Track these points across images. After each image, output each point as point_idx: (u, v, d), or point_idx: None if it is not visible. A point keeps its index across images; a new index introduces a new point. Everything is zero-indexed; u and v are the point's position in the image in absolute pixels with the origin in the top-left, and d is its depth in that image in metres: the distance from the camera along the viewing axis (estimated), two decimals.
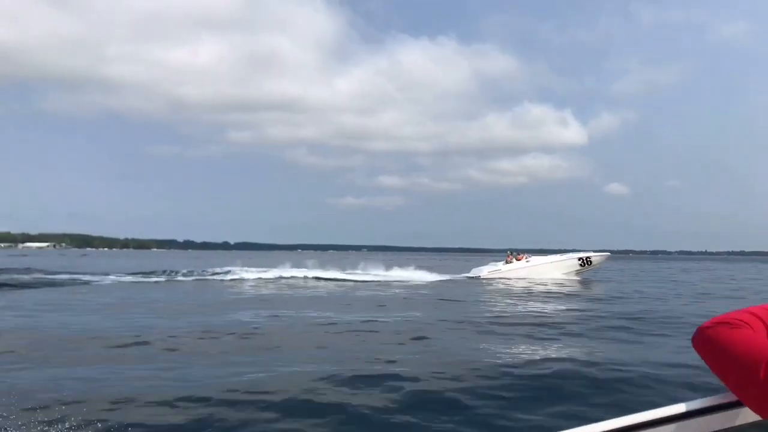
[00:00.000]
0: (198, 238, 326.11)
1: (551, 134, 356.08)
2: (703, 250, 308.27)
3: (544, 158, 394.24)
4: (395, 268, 43.06)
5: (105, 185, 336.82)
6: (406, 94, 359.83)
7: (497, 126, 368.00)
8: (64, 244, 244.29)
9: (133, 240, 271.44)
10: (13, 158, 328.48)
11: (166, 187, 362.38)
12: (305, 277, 36.40)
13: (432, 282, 38.57)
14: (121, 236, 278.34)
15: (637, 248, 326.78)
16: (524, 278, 40.61)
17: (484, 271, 42.17)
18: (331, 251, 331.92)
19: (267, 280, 35.10)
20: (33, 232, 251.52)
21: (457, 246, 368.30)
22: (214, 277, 36.55)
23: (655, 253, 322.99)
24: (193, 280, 34.61)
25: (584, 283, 37.19)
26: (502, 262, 43.78)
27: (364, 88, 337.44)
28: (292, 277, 36.70)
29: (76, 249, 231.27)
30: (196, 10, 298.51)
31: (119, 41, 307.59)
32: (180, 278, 34.97)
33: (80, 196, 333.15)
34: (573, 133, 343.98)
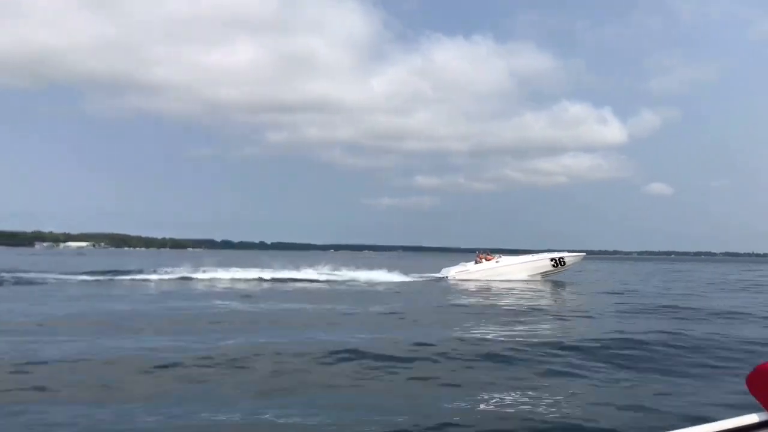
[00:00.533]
0: (236, 238, 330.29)
1: (590, 133, 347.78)
2: (750, 252, 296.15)
3: (584, 157, 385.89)
4: (369, 268, 41.82)
5: (145, 186, 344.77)
6: (441, 94, 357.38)
7: (534, 125, 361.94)
8: (102, 244, 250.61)
9: (170, 240, 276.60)
10: (58, 160, 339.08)
11: (204, 188, 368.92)
12: (260, 279, 35.24)
13: (396, 282, 37.25)
14: (159, 236, 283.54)
15: (680, 249, 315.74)
16: (493, 279, 39.07)
17: (452, 271, 40.69)
18: (367, 251, 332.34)
19: (185, 280, 33.76)
20: (74, 231, 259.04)
21: (494, 246, 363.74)
22: (135, 276, 34.75)
23: (698, 254, 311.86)
24: (94, 280, 32.59)
25: (552, 286, 35.33)
26: (472, 263, 42.24)
27: (399, 88, 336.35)
28: (231, 279, 35.11)
29: (114, 248, 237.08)
30: (232, 12, 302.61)
31: (157, 44, 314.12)
32: (98, 278, 33.51)
33: (121, 197, 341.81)
34: (613, 131, 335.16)
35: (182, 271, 36.52)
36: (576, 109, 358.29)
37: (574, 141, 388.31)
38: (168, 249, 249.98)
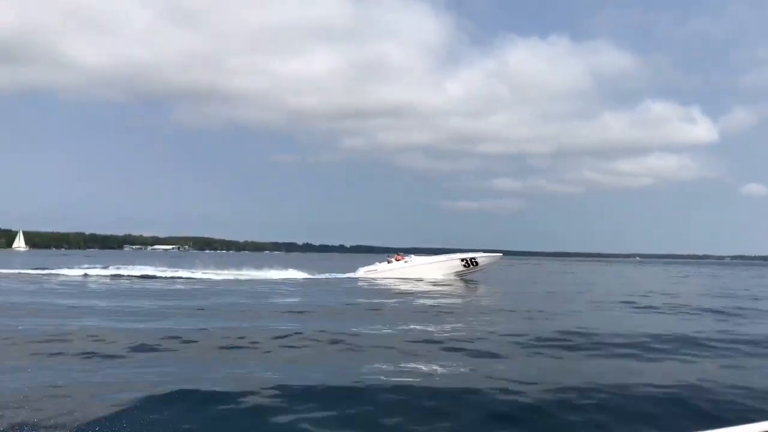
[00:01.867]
0: (316, 241, 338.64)
1: (676, 132, 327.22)
2: None
3: (670, 158, 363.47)
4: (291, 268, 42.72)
5: (230, 192, 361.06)
6: (518, 95, 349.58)
7: (616, 125, 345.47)
8: (187, 246, 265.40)
9: (252, 242, 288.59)
10: (150, 168, 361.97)
11: (287, 193, 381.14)
12: (170, 277, 36.67)
13: (299, 280, 37.96)
14: (241, 239, 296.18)
15: None
16: (400, 278, 39.07)
17: (361, 271, 41.06)
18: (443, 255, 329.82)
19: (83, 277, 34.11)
20: (162, 235, 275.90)
21: (576, 250, 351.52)
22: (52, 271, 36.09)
23: None
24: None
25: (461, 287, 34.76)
26: (385, 263, 42.42)
27: (474, 91, 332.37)
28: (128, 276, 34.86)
29: (197, 251, 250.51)
30: (308, 21, 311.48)
31: (238, 55, 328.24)
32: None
33: (207, 202, 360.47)
34: (702, 130, 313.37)
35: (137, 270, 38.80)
36: (660, 108, 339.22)
37: (659, 141, 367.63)
38: (247, 252, 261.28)
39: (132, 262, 46.00)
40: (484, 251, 41.54)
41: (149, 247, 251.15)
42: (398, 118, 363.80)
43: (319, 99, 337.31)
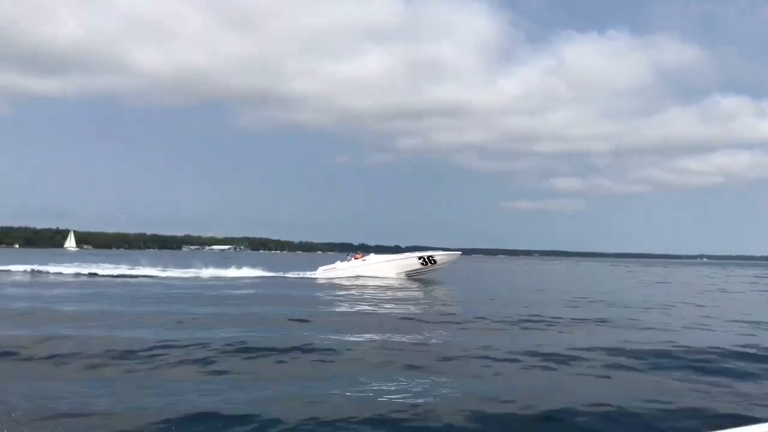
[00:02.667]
0: (372, 242, 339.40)
1: (748, 128, 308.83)
2: None
3: (742, 155, 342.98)
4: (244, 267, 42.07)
5: (288, 193, 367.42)
6: (576, 93, 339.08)
7: (681, 122, 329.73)
8: (242, 247, 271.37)
9: (306, 243, 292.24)
10: (209, 171, 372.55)
11: (343, 194, 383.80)
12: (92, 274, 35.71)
13: (250, 278, 37.36)
14: (297, 240, 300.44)
15: None
16: (358, 276, 38.01)
17: (320, 270, 40.23)
18: (500, 256, 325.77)
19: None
20: (220, 236, 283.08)
21: (640, 252, 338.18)
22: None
23: None
24: None
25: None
26: (344, 261, 41.42)
27: (531, 89, 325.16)
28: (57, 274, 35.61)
29: (251, 251, 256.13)
30: (361, 23, 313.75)
31: (293, 58, 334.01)
32: None
33: (268, 204, 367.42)
34: None
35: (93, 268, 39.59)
36: (729, 103, 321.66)
37: (728, 137, 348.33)
38: (300, 252, 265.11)
39: (119, 262, 46.61)
40: (442, 249, 40.54)
41: (206, 248, 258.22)
42: (453, 118, 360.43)
43: (374, 100, 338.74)
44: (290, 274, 38.75)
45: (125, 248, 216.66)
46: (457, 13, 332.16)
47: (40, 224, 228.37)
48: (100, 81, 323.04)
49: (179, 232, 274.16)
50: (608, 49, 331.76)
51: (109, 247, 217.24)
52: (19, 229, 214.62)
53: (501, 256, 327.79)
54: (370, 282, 34.26)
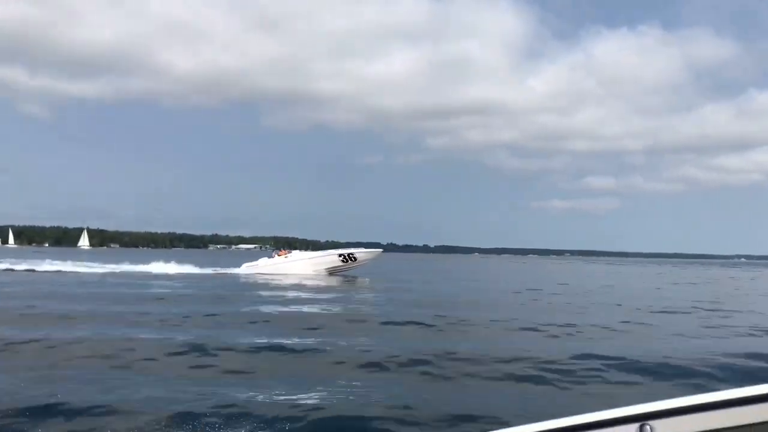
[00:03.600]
0: (401, 242, 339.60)
1: None
2: None
3: None
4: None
5: (318, 193, 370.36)
6: (608, 90, 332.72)
7: (717, 118, 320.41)
8: (268, 246, 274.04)
9: (332, 242, 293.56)
10: (243, 171, 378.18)
11: (372, 193, 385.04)
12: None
13: (170, 274, 37.50)
14: (324, 239, 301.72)
15: None
16: (281, 273, 37.93)
17: (244, 266, 40.47)
18: (532, 255, 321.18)
19: None
20: (247, 235, 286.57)
21: (675, 251, 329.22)
22: None
23: None
24: None
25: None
26: (268, 258, 41.70)
27: (561, 87, 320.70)
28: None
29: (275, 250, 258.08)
30: (388, 23, 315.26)
31: (322, 59, 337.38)
32: None
33: (297, 203, 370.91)
34: None
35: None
36: (766, 98, 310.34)
37: (767, 134, 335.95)
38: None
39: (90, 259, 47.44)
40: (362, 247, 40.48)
41: (233, 246, 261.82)
42: (482, 116, 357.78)
43: (403, 99, 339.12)
44: (209, 270, 38.99)
45: (151, 247, 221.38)
46: (483, 12, 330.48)
47: (72, 224, 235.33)
48: (133, 83, 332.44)
49: (209, 232, 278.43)
50: (639, 44, 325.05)
51: (136, 245, 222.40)
52: (51, 228, 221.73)
53: (533, 255, 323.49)
54: (287, 279, 34.28)
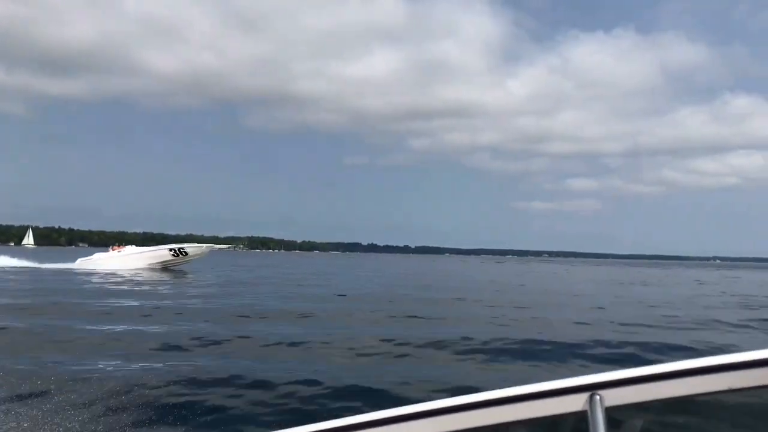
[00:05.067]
0: (381, 242, 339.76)
1: (762, 128, 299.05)
2: None
3: (756, 155, 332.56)
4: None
5: (300, 194, 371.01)
6: (586, 93, 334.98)
7: (693, 122, 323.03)
8: (241, 246, 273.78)
9: (308, 242, 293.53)
10: (222, 171, 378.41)
11: (354, 194, 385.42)
12: None
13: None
14: (301, 240, 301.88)
15: None
16: (114, 268, 37.92)
17: (79, 261, 40.48)
18: (511, 256, 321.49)
19: None
20: (222, 235, 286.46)
21: (654, 253, 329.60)
22: None
23: None
24: None
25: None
26: (103, 252, 41.81)
27: (539, 89, 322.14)
28: None
29: (251, 250, 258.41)
30: (367, 25, 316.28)
31: (303, 59, 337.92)
32: None
33: (277, 204, 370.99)
34: None
35: None
36: (741, 102, 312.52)
37: (742, 137, 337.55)
38: (297, 251, 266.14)
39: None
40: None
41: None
42: (463, 118, 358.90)
43: (384, 100, 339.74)
44: (46, 265, 38.81)
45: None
46: (460, 13, 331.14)
47: (45, 222, 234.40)
48: (113, 82, 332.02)
49: (184, 231, 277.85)
50: (615, 48, 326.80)
51: (105, 245, 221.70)
52: (20, 227, 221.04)
53: (509, 256, 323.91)
54: (119, 274, 34.22)
